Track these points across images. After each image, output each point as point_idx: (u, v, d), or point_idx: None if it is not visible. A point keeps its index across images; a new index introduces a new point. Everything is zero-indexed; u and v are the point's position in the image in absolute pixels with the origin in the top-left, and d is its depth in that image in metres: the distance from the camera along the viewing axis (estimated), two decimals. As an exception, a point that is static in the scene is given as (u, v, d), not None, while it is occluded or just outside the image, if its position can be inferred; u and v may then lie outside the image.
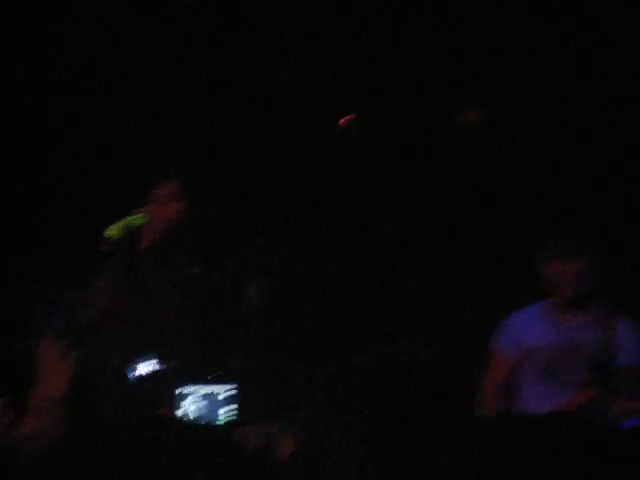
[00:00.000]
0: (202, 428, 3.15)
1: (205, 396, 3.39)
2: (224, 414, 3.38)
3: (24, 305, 4.92)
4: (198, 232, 4.07)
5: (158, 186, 4.06)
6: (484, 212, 4.82)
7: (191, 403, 3.38)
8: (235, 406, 3.39)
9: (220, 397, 3.39)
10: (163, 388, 3.62)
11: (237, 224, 4.80)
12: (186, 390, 3.39)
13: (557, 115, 4.84)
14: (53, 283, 4.96)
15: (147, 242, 4.03)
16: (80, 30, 4.94)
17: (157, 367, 3.69)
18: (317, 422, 3.57)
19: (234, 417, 3.37)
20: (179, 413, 3.38)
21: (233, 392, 3.40)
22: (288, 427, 3.54)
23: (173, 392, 3.39)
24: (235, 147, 5.02)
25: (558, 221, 4.53)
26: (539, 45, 4.82)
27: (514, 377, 3.76)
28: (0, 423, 3.08)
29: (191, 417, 3.37)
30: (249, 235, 4.83)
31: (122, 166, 4.98)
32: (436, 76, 4.92)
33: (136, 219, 3.99)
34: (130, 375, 3.73)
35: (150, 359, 3.74)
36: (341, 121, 5.00)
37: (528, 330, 3.75)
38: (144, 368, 3.69)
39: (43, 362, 2.91)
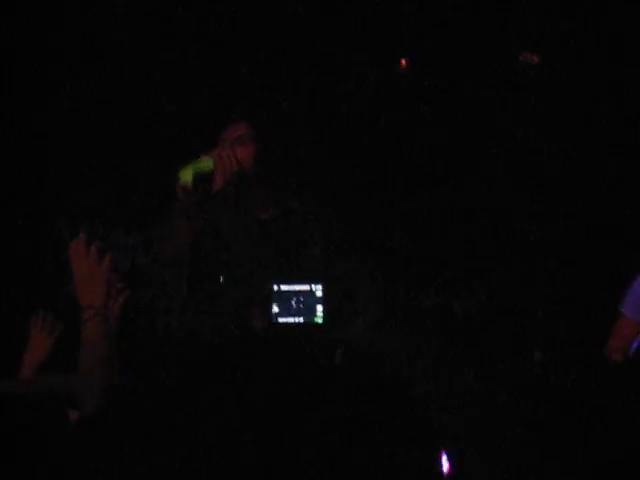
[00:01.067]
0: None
1: (301, 293, 3.32)
2: (321, 312, 3.32)
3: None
4: (269, 176, 3.93)
5: (228, 128, 3.89)
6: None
7: (286, 299, 3.32)
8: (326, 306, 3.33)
9: (318, 294, 3.33)
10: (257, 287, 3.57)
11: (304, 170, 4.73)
12: (281, 287, 3.33)
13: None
14: (118, 226, 4.91)
15: (218, 186, 3.90)
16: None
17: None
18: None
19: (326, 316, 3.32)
20: (275, 309, 3.31)
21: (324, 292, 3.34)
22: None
23: (268, 289, 3.33)
24: (304, 89, 4.95)
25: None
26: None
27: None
28: None
29: (286, 314, 3.31)
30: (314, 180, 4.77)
31: (192, 106, 4.91)
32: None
33: (207, 163, 3.84)
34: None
35: None
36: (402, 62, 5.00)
37: None
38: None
39: (74, 264, 2.82)
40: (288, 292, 3.32)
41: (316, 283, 3.33)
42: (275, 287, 3.32)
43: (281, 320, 3.31)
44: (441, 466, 1.30)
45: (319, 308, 3.31)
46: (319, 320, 3.31)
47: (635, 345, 3.69)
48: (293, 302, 3.31)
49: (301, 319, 3.31)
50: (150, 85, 4.95)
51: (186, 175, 3.73)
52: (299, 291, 3.32)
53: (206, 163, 3.76)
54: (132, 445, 1.17)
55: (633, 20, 4.71)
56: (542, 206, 4.65)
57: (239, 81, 4.90)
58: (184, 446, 1.16)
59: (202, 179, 3.78)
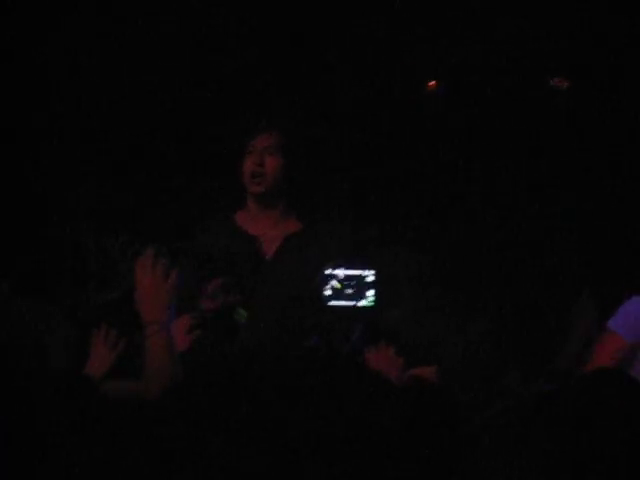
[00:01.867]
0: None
1: (352, 277, 3.39)
2: (371, 296, 3.38)
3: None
4: (296, 189, 3.93)
5: (258, 136, 3.84)
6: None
7: (338, 283, 3.37)
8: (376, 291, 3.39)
9: (368, 279, 3.39)
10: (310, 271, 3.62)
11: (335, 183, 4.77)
12: (333, 271, 3.39)
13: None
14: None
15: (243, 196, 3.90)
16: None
17: None
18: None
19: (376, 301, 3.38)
20: (326, 292, 3.37)
21: (376, 277, 3.40)
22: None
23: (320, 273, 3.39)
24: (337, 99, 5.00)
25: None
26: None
27: (625, 362, 3.55)
28: None
29: (338, 298, 3.36)
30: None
31: (218, 114, 4.95)
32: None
33: (243, 314, 3.79)
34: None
35: None
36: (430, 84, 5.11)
37: None
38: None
39: (139, 280, 2.86)
40: (340, 276, 3.38)
41: (368, 268, 3.39)
42: (327, 271, 3.38)
43: (332, 303, 3.37)
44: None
45: (370, 292, 3.37)
46: (370, 304, 3.36)
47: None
48: (345, 286, 3.37)
49: (352, 303, 3.36)
50: (182, 94, 5.01)
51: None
52: (351, 275, 3.38)
53: (242, 315, 3.71)
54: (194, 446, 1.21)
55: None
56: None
57: (271, 90, 4.95)
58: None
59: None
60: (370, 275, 3.38)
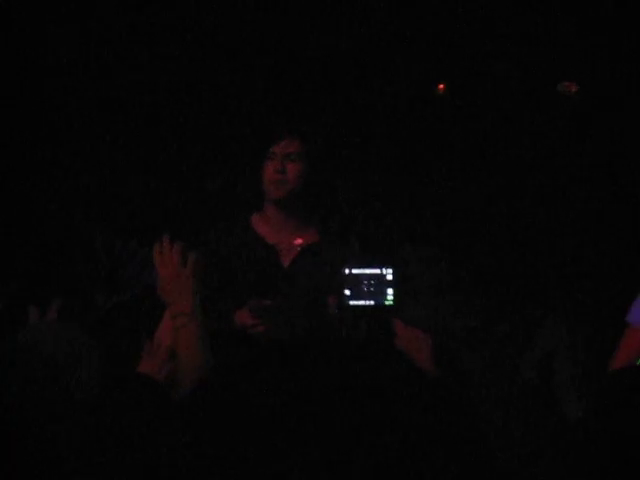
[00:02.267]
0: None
1: (371, 276, 3.38)
2: (391, 295, 3.38)
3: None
4: (316, 198, 3.90)
5: (281, 142, 3.78)
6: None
7: (358, 283, 3.37)
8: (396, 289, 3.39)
9: (387, 278, 3.39)
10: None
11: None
12: (352, 271, 3.39)
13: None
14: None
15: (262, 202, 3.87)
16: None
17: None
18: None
19: (396, 299, 3.37)
20: (347, 292, 3.37)
21: (396, 275, 3.40)
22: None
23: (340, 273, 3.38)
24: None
25: None
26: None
27: None
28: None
29: (358, 297, 3.36)
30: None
31: (237, 119, 4.94)
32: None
33: None
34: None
35: None
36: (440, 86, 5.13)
37: None
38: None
39: (159, 268, 2.82)
40: (359, 275, 3.38)
41: (387, 267, 3.39)
42: (347, 271, 3.38)
43: (352, 303, 3.37)
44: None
45: (389, 291, 3.37)
46: (389, 302, 3.36)
47: None
48: (364, 285, 3.37)
49: (372, 302, 3.36)
50: (202, 94, 5.02)
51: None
52: (370, 274, 3.38)
53: None
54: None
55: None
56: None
57: (294, 95, 4.95)
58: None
59: None
60: (389, 274, 3.38)
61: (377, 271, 3.38)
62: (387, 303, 3.36)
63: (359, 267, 3.39)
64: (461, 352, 3.47)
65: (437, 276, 3.67)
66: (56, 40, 4.94)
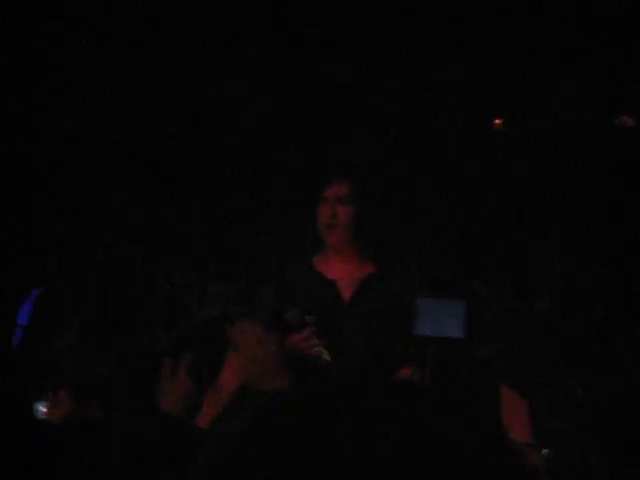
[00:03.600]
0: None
1: (442, 307, 3.38)
2: (461, 327, 3.36)
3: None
4: (371, 236, 3.93)
5: (331, 186, 3.84)
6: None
7: (429, 315, 3.36)
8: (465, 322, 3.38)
9: (458, 310, 3.38)
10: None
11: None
12: (423, 303, 3.38)
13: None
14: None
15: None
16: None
17: None
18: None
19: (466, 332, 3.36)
20: (418, 326, 3.36)
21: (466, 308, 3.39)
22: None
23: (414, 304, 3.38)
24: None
25: None
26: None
27: None
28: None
29: (429, 329, 3.35)
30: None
31: (292, 167, 4.97)
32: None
33: (327, 358, 3.79)
34: None
35: None
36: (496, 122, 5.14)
37: None
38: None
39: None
40: (431, 307, 3.37)
41: (458, 300, 3.38)
42: (419, 302, 3.37)
43: (421, 333, 3.36)
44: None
45: (460, 324, 3.36)
46: (459, 335, 3.35)
47: None
48: (435, 317, 3.36)
49: (441, 333, 3.35)
50: (257, 141, 5.05)
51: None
52: (441, 305, 3.37)
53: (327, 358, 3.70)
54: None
55: None
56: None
57: (343, 136, 4.98)
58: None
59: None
60: (460, 306, 3.37)
61: (448, 302, 3.38)
62: (457, 336, 3.35)
63: (430, 297, 3.39)
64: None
65: (506, 316, 3.66)
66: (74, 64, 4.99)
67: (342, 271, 3.91)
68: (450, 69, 5.01)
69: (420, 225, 4.89)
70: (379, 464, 1.11)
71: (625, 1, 4.92)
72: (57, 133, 4.96)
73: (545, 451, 2.89)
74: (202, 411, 2.87)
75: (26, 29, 4.89)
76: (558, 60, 5.03)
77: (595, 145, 5.08)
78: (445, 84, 5.07)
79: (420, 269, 4.05)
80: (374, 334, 3.75)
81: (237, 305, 5.18)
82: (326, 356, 3.68)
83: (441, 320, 3.35)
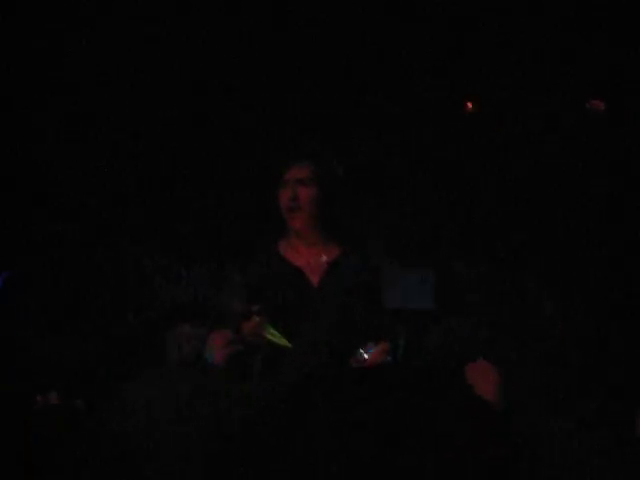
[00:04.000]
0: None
1: (412, 280, 3.36)
2: (430, 298, 3.35)
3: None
4: (332, 221, 3.91)
5: (291, 168, 3.84)
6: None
7: (397, 286, 3.35)
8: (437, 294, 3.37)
9: (427, 282, 3.36)
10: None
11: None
12: (390, 274, 3.37)
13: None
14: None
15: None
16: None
17: None
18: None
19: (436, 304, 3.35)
20: (387, 299, 3.35)
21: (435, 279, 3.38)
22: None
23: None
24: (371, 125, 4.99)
25: None
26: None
27: None
28: None
29: (398, 301, 3.34)
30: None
31: (250, 146, 4.93)
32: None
33: (284, 341, 3.78)
34: None
35: None
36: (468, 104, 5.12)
37: None
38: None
39: None
40: (398, 278, 3.35)
41: (426, 269, 3.37)
42: (386, 273, 3.36)
43: (392, 306, 3.34)
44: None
45: (429, 295, 3.34)
46: (429, 306, 3.33)
47: None
48: (404, 289, 3.34)
49: (412, 305, 3.33)
50: (219, 122, 5.02)
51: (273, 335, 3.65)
52: (409, 277, 3.35)
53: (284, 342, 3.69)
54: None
55: None
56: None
57: (304, 119, 4.94)
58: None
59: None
60: (428, 275, 3.36)
61: (417, 275, 3.36)
62: (427, 307, 3.33)
63: (399, 271, 3.37)
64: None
65: (486, 290, 3.65)
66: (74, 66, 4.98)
67: (308, 256, 3.88)
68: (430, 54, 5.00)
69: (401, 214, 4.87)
70: (356, 452, 1.11)
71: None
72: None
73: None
74: None
75: (26, 29, 4.87)
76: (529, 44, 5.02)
77: (566, 130, 5.08)
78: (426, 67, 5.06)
79: (388, 252, 4.03)
80: (344, 313, 3.71)
81: (208, 289, 5.15)
82: (284, 342, 3.63)
83: (410, 291, 3.34)
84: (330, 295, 3.78)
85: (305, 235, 3.84)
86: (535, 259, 4.20)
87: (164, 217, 5.10)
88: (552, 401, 3.37)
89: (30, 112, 4.93)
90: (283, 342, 3.56)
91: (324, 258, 3.85)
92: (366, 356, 3.28)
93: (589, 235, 4.64)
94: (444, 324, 3.38)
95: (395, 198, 4.90)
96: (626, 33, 4.91)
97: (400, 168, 4.93)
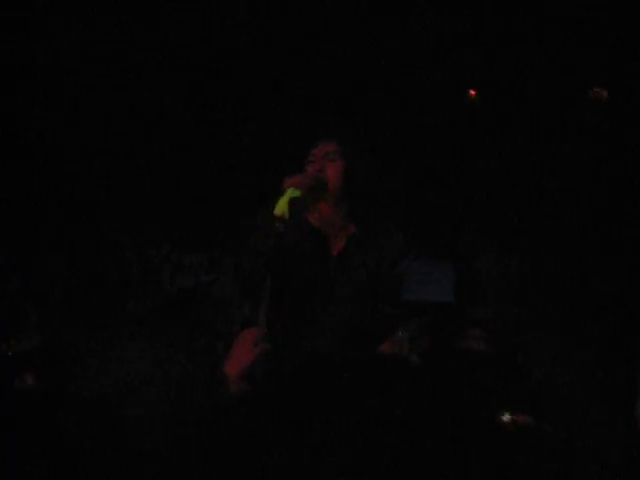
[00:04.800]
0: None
1: (433, 272, 3.36)
2: (451, 291, 3.36)
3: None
4: (355, 193, 3.98)
5: (319, 145, 4.02)
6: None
7: (417, 278, 3.35)
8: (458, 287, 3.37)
9: (449, 274, 3.37)
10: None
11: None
12: (412, 265, 3.36)
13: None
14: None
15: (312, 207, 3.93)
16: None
17: None
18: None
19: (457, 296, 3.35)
20: (407, 290, 3.34)
21: (456, 272, 3.38)
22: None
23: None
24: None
25: None
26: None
27: None
28: None
29: (418, 293, 3.33)
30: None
31: (281, 126, 4.93)
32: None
33: (295, 192, 3.85)
34: None
35: None
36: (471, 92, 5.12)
37: None
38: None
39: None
40: (419, 270, 3.35)
41: (447, 263, 3.37)
42: (406, 265, 3.35)
43: (410, 297, 3.34)
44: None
45: (450, 287, 3.35)
46: (450, 299, 3.34)
47: None
48: (424, 280, 3.35)
49: (431, 297, 3.34)
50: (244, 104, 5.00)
51: (282, 207, 3.72)
52: (429, 269, 3.36)
53: (294, 192, 3.75)
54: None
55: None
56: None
57: (332, 100, 4.95)
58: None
59: (294, 206, 3.79)
60: (449, 268, 3.36)
61: (437, 266, 3.37)
62: (447, 299, 3.33)
63: (419, 261, 3.37)
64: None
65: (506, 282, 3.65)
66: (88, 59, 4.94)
67: (331, 229, 4.00)
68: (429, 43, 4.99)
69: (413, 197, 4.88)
70: (368, 439, 1.11)
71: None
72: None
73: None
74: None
75: (26, 29, 4.83)
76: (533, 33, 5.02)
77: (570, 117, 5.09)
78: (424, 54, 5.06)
79: (405, 235, 4.07)
80: (360, 293, 3.73)
81: (208, 275, 5.14)
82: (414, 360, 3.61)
83: (430, 284, 3.34)
84: (348, 268, 3.83)
85: (331, 207, 3.93)
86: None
87: (164, 206, 5.09)
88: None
89: (32, 107, 4.91)
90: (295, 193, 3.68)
91: (343, 233, 3.92)
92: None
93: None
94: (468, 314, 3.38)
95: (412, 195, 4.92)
96: (628, 25, 4.93)
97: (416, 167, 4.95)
